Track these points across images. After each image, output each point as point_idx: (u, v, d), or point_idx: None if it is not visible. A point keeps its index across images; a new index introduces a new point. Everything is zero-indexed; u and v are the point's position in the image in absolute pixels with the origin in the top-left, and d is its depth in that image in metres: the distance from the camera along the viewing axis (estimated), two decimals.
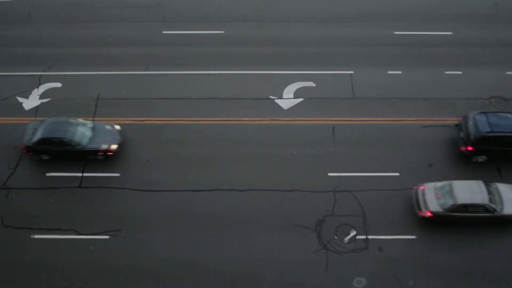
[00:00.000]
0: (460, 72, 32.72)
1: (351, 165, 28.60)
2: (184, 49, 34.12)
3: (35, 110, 30.87)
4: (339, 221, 26.69)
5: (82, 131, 28.50)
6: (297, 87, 32.01)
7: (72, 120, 28.81)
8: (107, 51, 33.99)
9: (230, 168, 28.54)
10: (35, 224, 26.52)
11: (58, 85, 32.15)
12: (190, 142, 29.60)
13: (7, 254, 25.67)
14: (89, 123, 29.10)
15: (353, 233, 26.38)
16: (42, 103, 31.20)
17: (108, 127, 29.21)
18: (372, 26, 35.36)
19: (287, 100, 31.42)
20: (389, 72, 32.77)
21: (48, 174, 28.24)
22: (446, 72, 32.73)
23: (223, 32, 35.06)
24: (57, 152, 28.38)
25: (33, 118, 30.33)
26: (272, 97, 31.60)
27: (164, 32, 35.11)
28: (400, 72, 32.78)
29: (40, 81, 32.29)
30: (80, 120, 29.07)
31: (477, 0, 37.07)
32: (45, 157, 28.68)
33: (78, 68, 32.94)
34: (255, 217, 26.84)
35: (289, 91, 31.85)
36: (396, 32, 34.98)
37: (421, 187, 26.79)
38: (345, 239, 26.22)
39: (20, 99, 31.41)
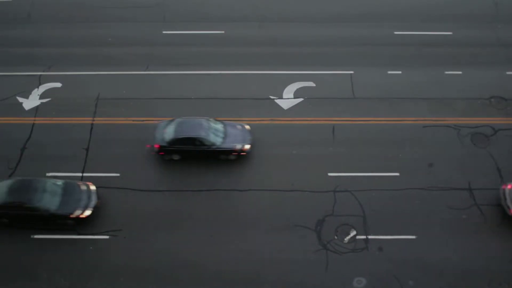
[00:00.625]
0: (460, 72, 32.72)
1: (351, 165, 28.60)
2: (184, 49, 34.12)
3: (35, 110, 30.86)
4: (339, 221, 26.69)
5: (216, 131, 28.40)
6: (297, 87, 32.02)
7: (204, 119, 28.70)
8: (107, 51, 33.98)
9: (230, 168, 28.53)
10: (35, 224, 26.51)
11: (58, 85, 32.14)
12: None
13: (7, 254, 25.67)
14: (220, 123, 29.00)
15: (353, 233, 26.38)
16: (42, 103, 31.20)
17: (239, 127, 29.10)
18: (372, 26, 35.36)
19: (287, 100, 31.42)
20: (389, 72, 32.77)
21: (48, 174, 28.22)
22: (446, 72, 32.74)
23: (223, 32, 35.06)
24: (190, 152, 28.23)
25: (33, 118, 30.33)
26: (272, 97, 31.60)
27: (164, 32, 35.10)
28: (400, 72, 32.78)
29: (40, 81, 32.28)
30: (211, 119, 28.97)
31: (477, 0, 37.07)
32: (176, 157, 28.53)
33: (78, 68, 32.93)
34: (255, 217, 26.84)
35: (289, 91, 31.85)
36: (396, 32, 34.98)
37: (509, 186, 26.73)
38: (345, 239, 26.22)
39: (20, 99, 31.40)
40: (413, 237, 26.18)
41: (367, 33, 34.96)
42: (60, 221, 26.13)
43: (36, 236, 26.19)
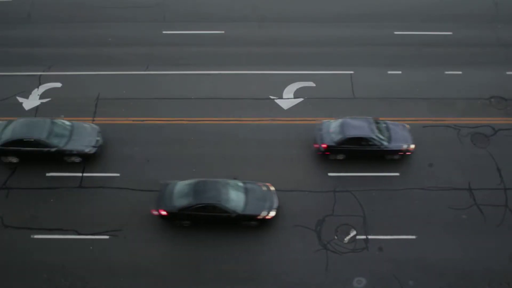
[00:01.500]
0: (460, 72, 32.73)
1: (351, 165, 28.59)
2: (184, 49, 34.12)
3: (35, 110, 30.86)
4: (339, 221, 26.69)
5: (382, 131, 28.41)
6: (297, 87, 32.02)
7: (368, 118, 28.72)
8: (107, 51, 33.98)
9: (230, 168, 28.52)
10: (35, 224, 26.50)
11: (58, 85, 32.14)
12: (190, 142, 29.60)
13: (7, 254, 25.65)
14: (383, 122, 28.93)
15: (353, 233, 26.38)
16: (42, 103, 31.20)
17: (400, 126, 29.05)
18: (372, 26, 35.37)
19: (287, 100, 31.42)
20: (389, 72, 32.78)
21: (48, 174, 28.23)
22: (446, 72, 32.75)
23: (223, 32, 35.06)
24: (358, 152, 28.19)
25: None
26: (272, 97, 31.60)
27: (164, 32, 35.11)
28: (400, 72, 32.79)
29: (40, 81, 32.29)
30: (374, 119, 28.92)
31: (477, 0, 37.09)
32: (340, 157, 28.50)
33: (78, 68, 32.94)
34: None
35: (289, 91, 31.86)
36: (396, 32, 34.99)
37: None
38: (345, 239, 26.22)
39: (20, 99, 31.40)
40: (413, 237, 26.18)
41: (367, 33, 34.97)
42: (245, 223, 26.09)
43: (36, 236, 26.18)
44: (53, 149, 27.86)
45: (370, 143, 27.94)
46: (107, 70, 32.84)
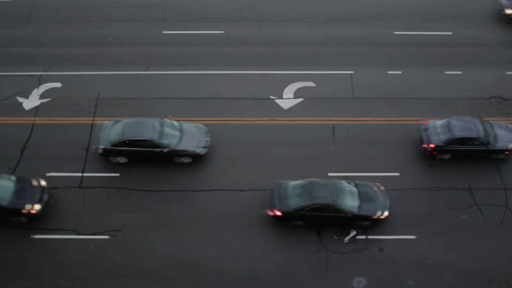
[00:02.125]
0: (460, 72, 32.73)
1: (351, 165, 28.59)
2: (184, 49, 34.12)
3: (35, 110, 30.86)
4: None
5: (488, 130, 28.42)
6: (297, 87, 32.02)
7: (473, 118, 28.77)
8: (107, 51, 33.98)
9: (230, 168, 28.53)
10: (35, 224, 26.50)
11: (58, 85, 32.14)
12: None
13: (7, 254, 25.66)
14: (488, 122, 28.93)
15: (353, 233, 26.38)
16: (42, 103, 31.19)
17: (503, 125, 29.09)
18: (372, 26, 35.37)
19: (287, 100, 31.42)
20: (389, 72, 32.78)
21: (48, 174, 28.21)
22: (446, 72, 32.75)
23: (223, 32, 35.06)
24: (465, 152, 28.29)
25: (33, 118, 30.33)
26: (272, 97, 31.60)
27: (164, 32, 35.11)
28: (400, 72, 32.79)
29: (40, 81, 32.28)
30: (476, 118, 28.94)
31: (477, 0, 37.08)
32: (446, 157, 28.56)
33: (78, 68, 32.93)
34: (255, 217, 26.82)
35: (289, 91, 31.86)
36: (396, 32, 34.99)
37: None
38: (345, 239, 26.22)
39: (20, 99, 31.40)
40: (413, 237, 26.18)
41: (367, 33, 34.97)
42: (359, 223, 26.08)
43: (36, 236, 26.18)
44: (166, 150, 27.72)
45: (476, 142, 28.00)
46: (107, 70, 32.84)
